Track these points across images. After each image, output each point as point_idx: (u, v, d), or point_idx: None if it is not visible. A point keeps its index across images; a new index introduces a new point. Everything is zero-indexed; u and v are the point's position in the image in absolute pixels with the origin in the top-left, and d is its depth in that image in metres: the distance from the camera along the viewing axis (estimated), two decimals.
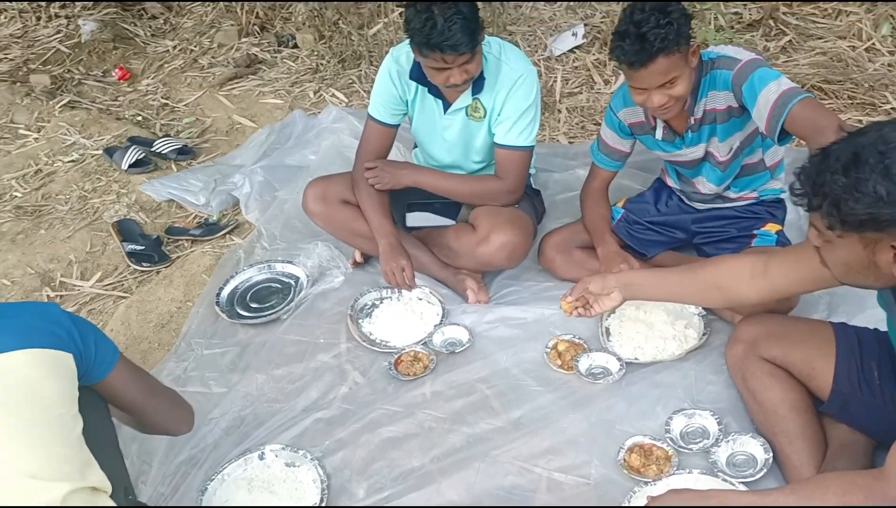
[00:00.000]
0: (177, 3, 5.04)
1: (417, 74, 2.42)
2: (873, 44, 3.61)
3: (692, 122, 2.24)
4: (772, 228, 2.39)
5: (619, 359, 2.25)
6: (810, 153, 1.41)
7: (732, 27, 3.82)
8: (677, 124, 2.30)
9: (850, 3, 3.78)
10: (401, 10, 4.28)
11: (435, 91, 2.45)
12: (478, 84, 2.40)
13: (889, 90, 3.32)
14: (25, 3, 5.03)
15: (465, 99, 2.44)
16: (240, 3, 4.64)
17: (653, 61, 2.01)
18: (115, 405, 1.69)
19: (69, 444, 1.41)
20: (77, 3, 4.99)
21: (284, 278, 2.70)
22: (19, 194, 3.46)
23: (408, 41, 2.47)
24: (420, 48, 2.22)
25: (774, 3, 3.77)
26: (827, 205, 1.33)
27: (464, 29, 2.14)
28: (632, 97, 2.17)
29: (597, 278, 2.05)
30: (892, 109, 3.24)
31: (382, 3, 4.25)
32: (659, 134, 2.33)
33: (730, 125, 2.22)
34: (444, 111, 2.48)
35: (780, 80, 2.05)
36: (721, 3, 3.93)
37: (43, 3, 5.01)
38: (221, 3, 4.81)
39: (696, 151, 2.32)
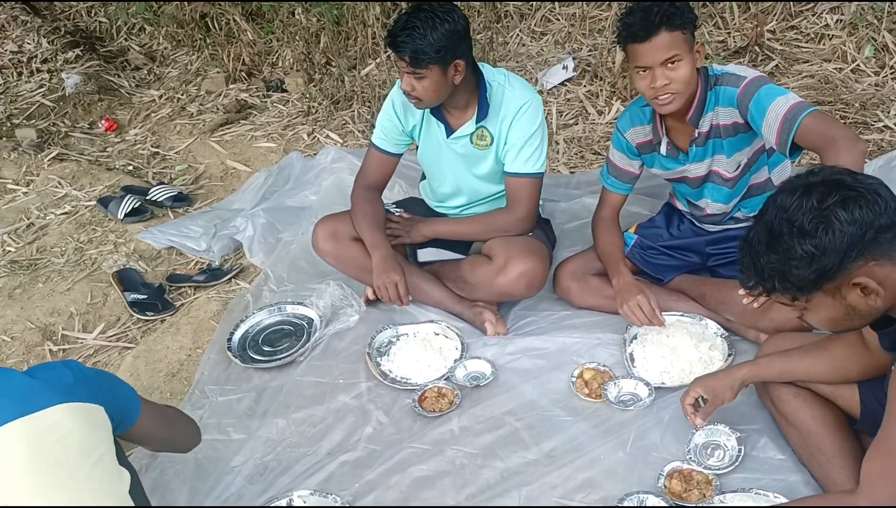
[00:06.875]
0: (160, 53, 5.03)
1: None
2: (858, 65, 3.68)
3: (697, 135, 2.25)
4: None
5: (648, 384, 2.23)
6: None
7: (719, 55, 3.89)
8: (681, 141, 2.31)
9: (833, 27, 3.87)
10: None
11: (439, 115, 2.45)
12: (481, 111, 2.41)
13: (880, 109, 3.38)
14: (6, 60, 4.99)
15: (470, 126, 2.44)
16: (224, 51, 4.64)
17: (656, 34, 2.06)
18: (142, 446, 1.75)
19: (121, 499, 1.38)
20: (59, 58, 4.95)
21: (296, 320, 2.64)
22: (13, 249, 3.37)
23: None
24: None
25: (759, 29, 3.84)
26: (779, 283, 1.43)
27: (413, 38, 2.20)
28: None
29: (721, 381, 1.94)
30: (884, 126, 3.30)
31: (371, 45, 4.27)
32: (663, 149, 2.33)
33: (737, 140, 2.23)
34: (447, 136, 2.48)
35: (788, 95, 2.07)
36: (706, 30, 4.01)
37: (24, 59, 4.97)
38: (206, 52, 4.81)
39: (699, 168, 2.32)
